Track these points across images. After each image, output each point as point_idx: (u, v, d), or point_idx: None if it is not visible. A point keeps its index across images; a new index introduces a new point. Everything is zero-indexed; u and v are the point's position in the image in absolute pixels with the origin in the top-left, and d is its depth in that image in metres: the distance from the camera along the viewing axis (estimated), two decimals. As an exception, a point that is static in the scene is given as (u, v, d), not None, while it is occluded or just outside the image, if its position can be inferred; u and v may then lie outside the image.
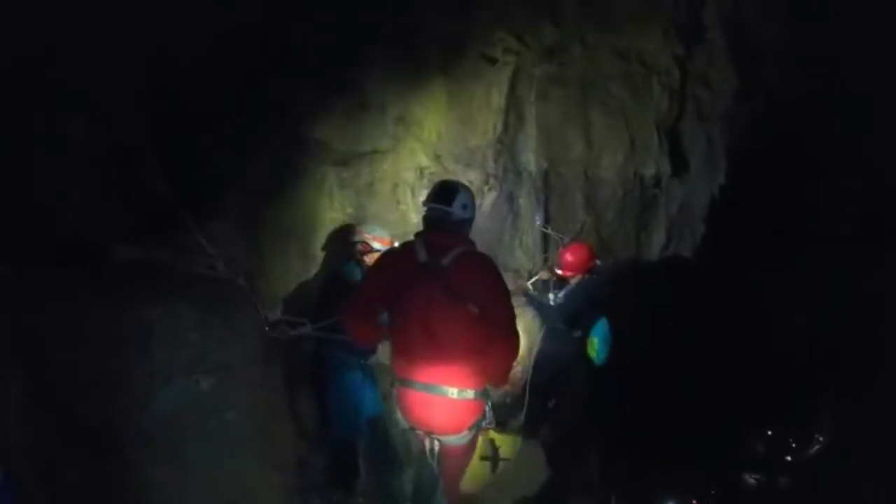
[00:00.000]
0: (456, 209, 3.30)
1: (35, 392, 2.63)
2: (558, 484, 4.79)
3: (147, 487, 2.85)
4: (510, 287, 4.86)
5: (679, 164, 5.98)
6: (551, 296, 5.08)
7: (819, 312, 6.27)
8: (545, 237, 5.46)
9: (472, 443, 3.57)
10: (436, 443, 3.40)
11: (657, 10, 5.78)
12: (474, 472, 4.25)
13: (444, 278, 3.19)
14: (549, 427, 5.18)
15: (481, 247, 4.44)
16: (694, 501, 5.68)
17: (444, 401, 3.27)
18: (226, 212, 4.38)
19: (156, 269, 3.41)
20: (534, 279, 5.19)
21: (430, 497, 3.66)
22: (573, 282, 5.02)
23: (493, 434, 4.69)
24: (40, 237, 3.21)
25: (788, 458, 6.10)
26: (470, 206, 3.38)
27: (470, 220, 3.41)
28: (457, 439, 3.39)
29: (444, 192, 3.36)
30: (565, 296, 5.04)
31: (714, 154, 6.19)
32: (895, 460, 5.40)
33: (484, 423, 3.52)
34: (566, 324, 4.94)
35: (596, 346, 4.98)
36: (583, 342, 4.98)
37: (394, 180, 5.19)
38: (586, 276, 5.01)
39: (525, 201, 5.40)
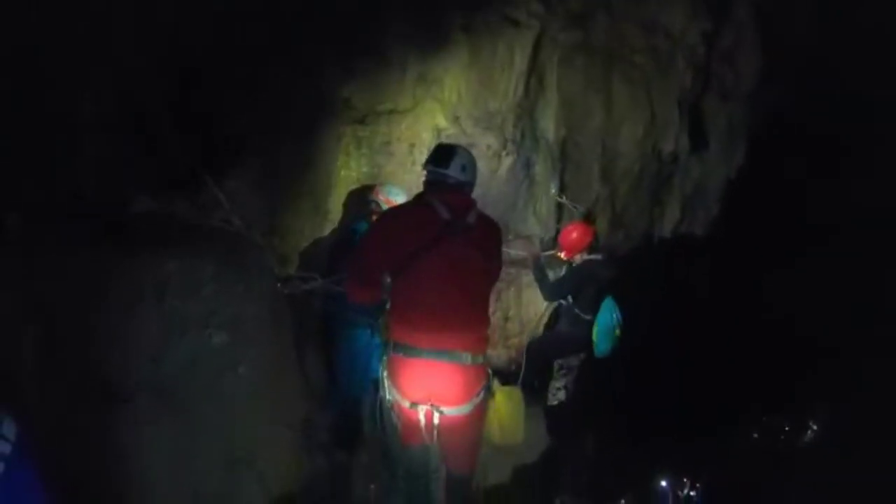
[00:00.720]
0: (453, 171, 3.21)
1: (48, 346, 2.59)
2: (556, 454, 4.83)
3: (157, 441, 2.84)
4: (523, 253, 4.83)
5: (698, 143, 5.90)
6: (551, 274, 5.05)
7: (821, 303, 6.27)
8: (559, 206, 5.40)
9: (481, 410, 3.53)
10: (436, 417, 3.34)
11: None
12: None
13: (473, 237, 3.15)
14: (550, 398, 5.20)
15: (494, 212, 4.43)
16: (685, 480, 5.75)
17: (457, 368, 3.21)
18: (243, 169, 4.30)
19: (172, 222, 3.35)
20: (548, 252, 5.12)
21: (425, 482, 3.62)
22: (576, 261, 4.98)
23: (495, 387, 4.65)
24: (56, 191, 3.15)
25: (781, 442, 6.18)
26: (469, 168, 3.29)
27: (470, 184, 3.32)
28: (465, 408, 3.35)
29: (442, 155, 3.29)
30: (567, 272, 5.02)
31: (734, 135, 6.11)
32: (888, 451, 5.47)
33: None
34: (567, 299, 4.91)
35: (595, 336, 4.91)
36: (591, 326, 4.94)
37: (411, 141, 5.09)
38: (588, 256, 4.97)
39: (541, 168, 5.31)
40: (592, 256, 4.96)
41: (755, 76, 6.08)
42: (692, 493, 5.96)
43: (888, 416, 5.68)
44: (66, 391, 2.60)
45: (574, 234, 4.91)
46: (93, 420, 2.63)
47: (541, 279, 4.93)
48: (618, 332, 4.87)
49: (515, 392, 3.71)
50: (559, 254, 4.96)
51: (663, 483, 5.92)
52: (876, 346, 5.95)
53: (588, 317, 4.85)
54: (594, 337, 4.82)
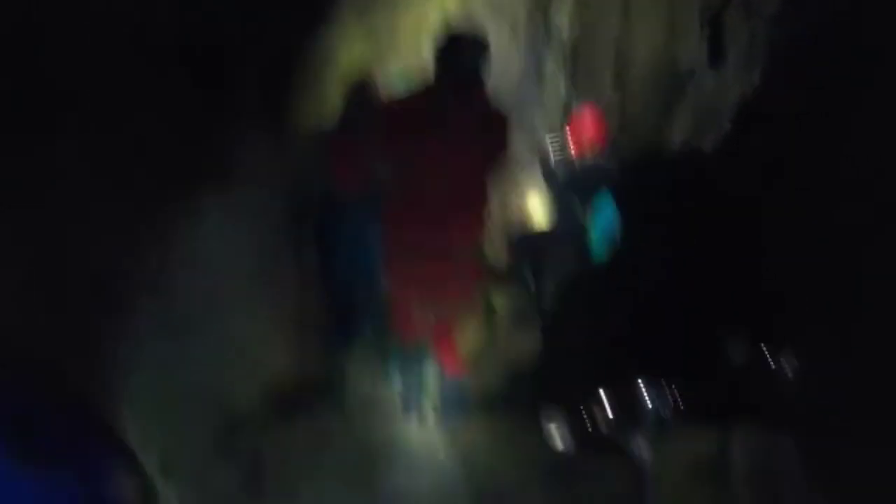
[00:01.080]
0: (461, 60, 3.08)
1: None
2: (544, 355, 4.75)
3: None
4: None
5: (716, 57, 5.69)
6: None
7: (817, 239, 6.13)
8: (568, 106, 5.23)
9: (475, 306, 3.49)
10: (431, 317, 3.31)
11: None
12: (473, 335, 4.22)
13: (486, 125, 3.05)
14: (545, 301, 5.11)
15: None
16: (662, 380, 5.66)
17: (455, 263, 3.16)
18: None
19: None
20: (555, 143, 4.95)
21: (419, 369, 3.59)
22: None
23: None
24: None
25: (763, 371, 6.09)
26: (479, 55, 3.14)
27: (476, 72, 3.16)
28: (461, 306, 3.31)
29: (451, 44, 3.17)
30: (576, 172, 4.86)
31: (754, 52, 5.88)
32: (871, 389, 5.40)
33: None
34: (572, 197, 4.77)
35: (593, 238, 4.78)
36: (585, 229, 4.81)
37: (417, 28, 4.91)
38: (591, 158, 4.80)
39: (552, 67, 5.14)
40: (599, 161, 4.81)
41: (781, -2, 5.83)
42: (669, 394, 5.86)
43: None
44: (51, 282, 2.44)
45: (586, 119, 4.71)
46: (82, 318, 2.49)
47: (549, 177, 4.79)
48: (617, 235, 4.72)
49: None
50: (569, 149, 4.79)
51: (641, 384, 5.82)
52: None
53: (585, 218, 4.72)
54: (592, 239, 4.69)
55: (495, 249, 5.07)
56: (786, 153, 6.03)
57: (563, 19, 5.07)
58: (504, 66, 4.98)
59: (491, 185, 3.23)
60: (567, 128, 4.85)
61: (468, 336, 3.86)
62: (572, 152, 4.79)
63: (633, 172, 5.23)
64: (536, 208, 5.20)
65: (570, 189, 4.77)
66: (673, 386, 5.25)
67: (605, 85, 5.26)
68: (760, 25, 6.02)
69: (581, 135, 4.73)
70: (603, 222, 4.71)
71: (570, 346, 5.28)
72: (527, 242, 4.99)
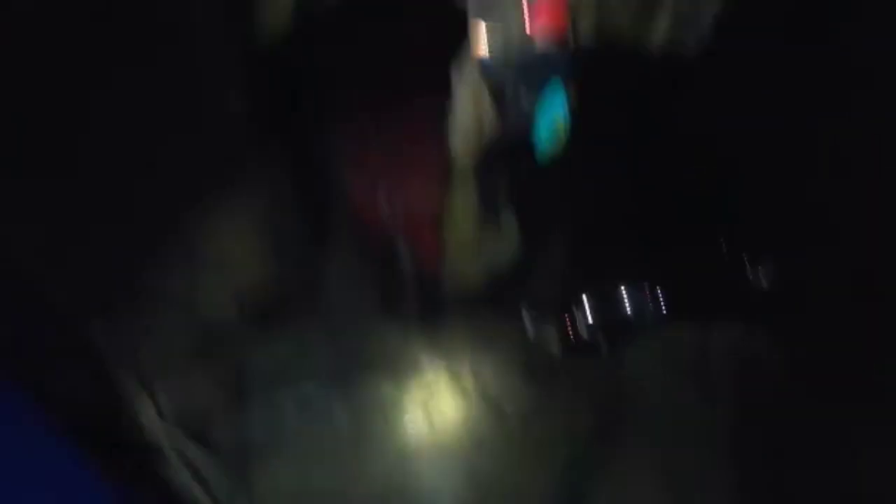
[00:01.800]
0: None
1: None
2: (522, 258, 4.73)
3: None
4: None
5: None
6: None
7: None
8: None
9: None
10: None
11: None
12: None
13: None
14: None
15: None
16: (645, 283, 5.71)
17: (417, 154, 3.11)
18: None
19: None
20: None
21: None
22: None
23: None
24: None
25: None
26: None
27: None
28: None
29: None
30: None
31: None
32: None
33: None
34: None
35: (541, 131, 4.49)
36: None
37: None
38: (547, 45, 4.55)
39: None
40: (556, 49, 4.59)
41: None
42: (653, 296, 5.92)
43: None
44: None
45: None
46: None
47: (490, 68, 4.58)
48: (562, 126, 4.51)
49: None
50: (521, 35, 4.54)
51: (624, 286, 5.87)
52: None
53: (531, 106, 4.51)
54: (536, 132, 4.50)
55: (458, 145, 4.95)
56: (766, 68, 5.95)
57: None
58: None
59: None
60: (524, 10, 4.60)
61: (443, 233, 3.82)
62: (524, 39, 4.55)
63: (594, 62, 5.11)
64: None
65: (518, 79, 4.53)
66: (652, 286, 5.32)
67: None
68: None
69: (538, 19, 4.48)
70: (551, 113, 4.50)
71: (542, 247, 5.31)
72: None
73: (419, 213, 3.55)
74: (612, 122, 5.61)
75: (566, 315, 5.22)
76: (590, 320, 4.62)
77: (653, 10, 5.51)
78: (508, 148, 4.86)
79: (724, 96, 5.97)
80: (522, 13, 4.52)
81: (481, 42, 4.64)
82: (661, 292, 5.74)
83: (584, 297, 5.38)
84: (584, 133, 4.92)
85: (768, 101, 6.10)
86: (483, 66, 4.68)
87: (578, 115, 4.70)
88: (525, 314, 4.83)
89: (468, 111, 5.12)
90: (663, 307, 5.61)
